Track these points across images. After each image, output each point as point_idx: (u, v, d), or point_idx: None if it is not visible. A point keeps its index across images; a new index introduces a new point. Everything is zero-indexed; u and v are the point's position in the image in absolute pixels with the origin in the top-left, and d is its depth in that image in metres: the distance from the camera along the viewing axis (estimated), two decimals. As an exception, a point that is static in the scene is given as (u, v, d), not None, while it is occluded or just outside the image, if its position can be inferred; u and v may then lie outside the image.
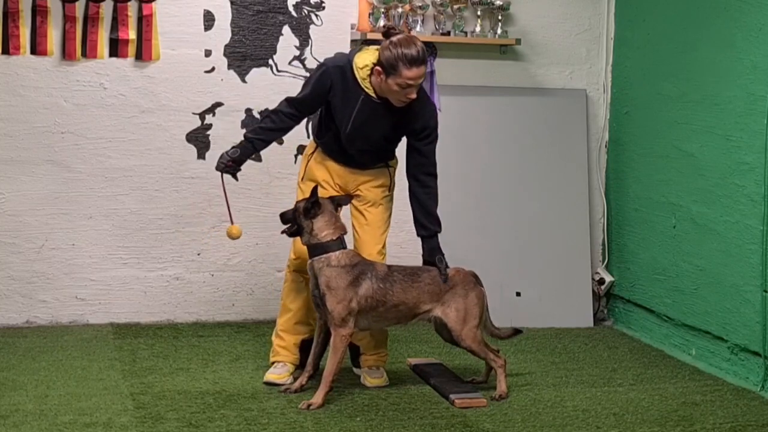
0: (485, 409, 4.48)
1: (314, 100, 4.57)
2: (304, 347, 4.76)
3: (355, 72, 4.48)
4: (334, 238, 4.48)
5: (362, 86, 4.48)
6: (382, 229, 4.74)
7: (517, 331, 4.85)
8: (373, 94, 4.49)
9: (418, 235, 4.66)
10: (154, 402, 4.40)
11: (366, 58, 4.48)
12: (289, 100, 4.60)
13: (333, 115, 4.56)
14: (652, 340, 5.73)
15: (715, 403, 4.66)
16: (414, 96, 4.42)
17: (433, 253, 4.61)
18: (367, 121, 4.52)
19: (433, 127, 4.60)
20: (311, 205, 4.47)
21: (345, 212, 4.73)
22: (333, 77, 4.50)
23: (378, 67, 4.40)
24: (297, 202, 4.62)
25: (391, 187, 4.76)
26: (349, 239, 4.61)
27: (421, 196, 4.61)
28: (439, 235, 4.64)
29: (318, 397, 4.40)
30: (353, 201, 4.70)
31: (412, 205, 4.65)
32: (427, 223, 4.62)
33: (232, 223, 4.70)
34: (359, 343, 4.79)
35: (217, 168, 4.62)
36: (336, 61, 4.57)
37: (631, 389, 4.84)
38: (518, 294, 5.96)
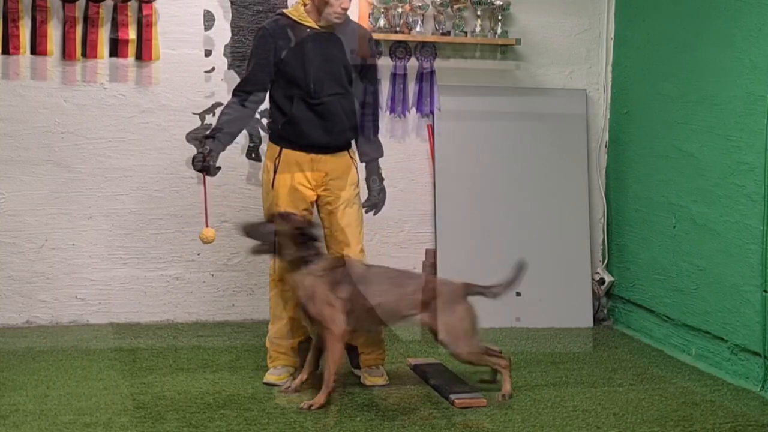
0: (485, 409, 4.47)
1: (263, 68, 4.64)
2: (302, 349, 4.76)
3: (291, 15, 4.63)
4: (313, 252, 4.47)
5: (303, 23, 4.61)
6: (360, 227, 4.80)
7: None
8: (316, 26, 4.61)
9: (361, 161, 4.81)
10: (154, 402, 4.40)
11: (297, 2, 4.69)
12: (236, 88, 4.71)
13: (290, 76, 4.61)
14: (652, 340, 5.73)
15: (715, 403, 4.66)
16: (347, 5, 4.57)
17: (369, 175, 4.81)
18: (323, 55, 4.62)
19: (373, 39, 4.85)
20: (305, 239, 4.43)
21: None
22: (273, 33, 4.63)
23: None
24: (271, 219, 4.51)
25: (358, 184, 4.82)
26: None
27: (365, 123, 4.78)
28: (381, 160, 4.83)
29: (319, 398, 4.40)
30: (329, 203, 4.70)
31: (357, 134, 4.78)
32: (368, 150, 4.81)
33: (207, 225, 4.71)
34: (357, 344, 4.78)
35: (195, 168, 4.64)
36: (268, 20, 4.77)
37: (631, 389, 4.84)
38: (518, 294, 5.95)
